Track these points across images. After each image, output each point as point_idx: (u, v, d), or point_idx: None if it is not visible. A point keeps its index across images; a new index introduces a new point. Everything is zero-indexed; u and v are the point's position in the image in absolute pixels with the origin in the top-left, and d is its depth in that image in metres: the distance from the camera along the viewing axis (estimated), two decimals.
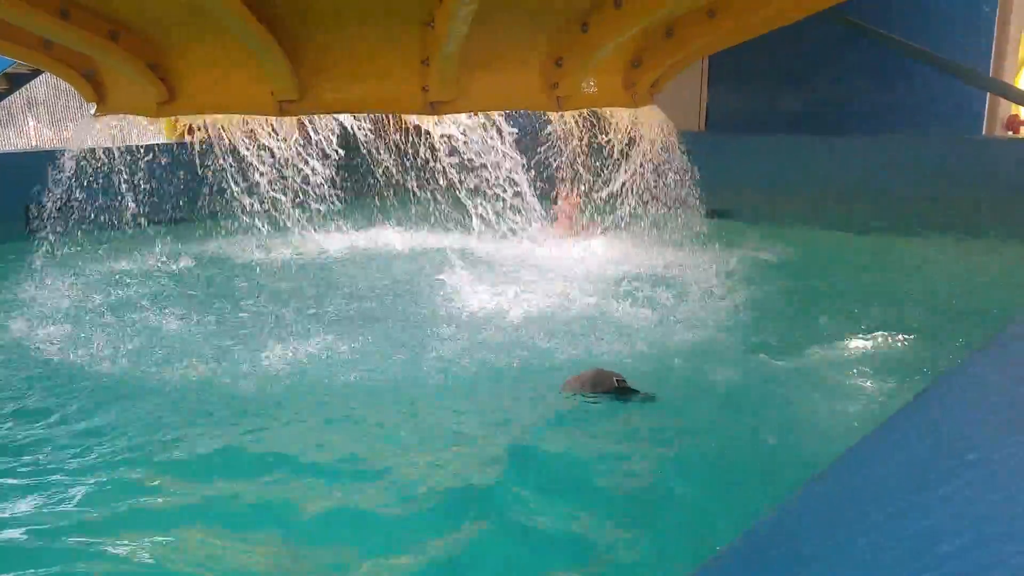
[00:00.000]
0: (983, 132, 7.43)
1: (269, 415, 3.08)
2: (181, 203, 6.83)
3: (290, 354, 3.66)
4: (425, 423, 3.02)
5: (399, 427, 2.98)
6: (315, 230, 6.17)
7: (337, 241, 6.51)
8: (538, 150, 5.89)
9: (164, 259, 5.92)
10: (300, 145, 5.22)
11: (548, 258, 5.66)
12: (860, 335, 3.86)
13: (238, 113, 3.88)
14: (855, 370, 3.45)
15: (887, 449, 1.10)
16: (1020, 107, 7.60)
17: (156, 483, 2.59)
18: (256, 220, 6.17)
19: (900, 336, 3.82)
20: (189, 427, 2.98)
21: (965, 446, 1.08)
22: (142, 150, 6.22)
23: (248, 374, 3.46)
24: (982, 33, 7.10)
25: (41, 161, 4.92)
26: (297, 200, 5.99)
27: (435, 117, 3.88)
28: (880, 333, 3.84)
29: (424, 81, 3.65)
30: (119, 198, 5.69)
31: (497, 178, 4.75)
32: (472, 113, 4.02)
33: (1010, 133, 7.83)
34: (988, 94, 7.24)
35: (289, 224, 6.03)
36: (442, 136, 4.32)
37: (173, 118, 7.60)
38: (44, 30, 3.62)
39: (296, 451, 2.78)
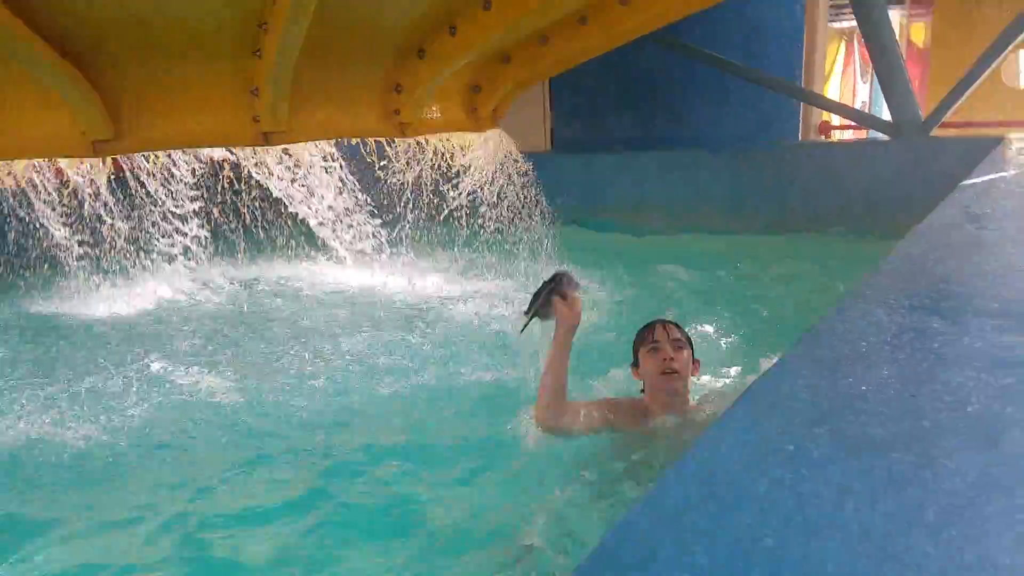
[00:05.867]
0: (799, 138, 8.13)
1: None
2: None
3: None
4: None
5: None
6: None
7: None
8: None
9: None
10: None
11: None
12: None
13: (46, 156, 3.55)
14: None
15: (709, 455, 1.14)
16: (830, 113, 8.39)
17: None
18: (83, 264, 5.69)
19: (715, 334, 3.98)
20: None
21: (783, 441, 1.13)
22: None
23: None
24: (792, 47, 7.80)
25: None
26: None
27: (270, 148, 3.73)
28: (697, 332, 3.98)
29: (254, 111, 3.49)
30: None
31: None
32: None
33: (822, 137, 8.63)
34: (802, 103, 7.94)
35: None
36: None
37: None
38: None
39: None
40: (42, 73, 3.05)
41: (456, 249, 6.20)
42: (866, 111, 13.26)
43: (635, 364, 2.68)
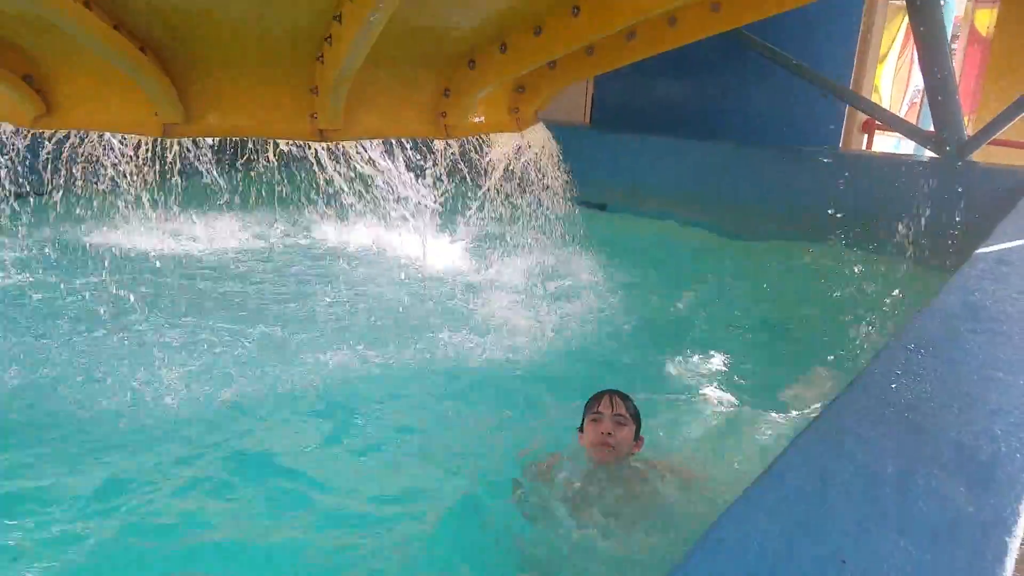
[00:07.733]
0: (841, 136, 8.11)
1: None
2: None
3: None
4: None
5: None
6: None
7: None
8: None
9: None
10: None
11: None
12: (716, 342, 4.33)
13: (119, 132, 3.82)
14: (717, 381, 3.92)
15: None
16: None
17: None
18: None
19: (747, 346, 4.29)
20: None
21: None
22: None
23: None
24: (845, 47, 7.70)
25: None
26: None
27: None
28: (732, 338, 4.30)
29: (312, 109, 3.73)
30: None
31: None
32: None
33: (865, 135, 8.59)
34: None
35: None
36: None
37: None
38: None
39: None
40: (122, 66, 3.29)
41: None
42: (919, 98, 12.97)
43: (581, 428, 2.84)
